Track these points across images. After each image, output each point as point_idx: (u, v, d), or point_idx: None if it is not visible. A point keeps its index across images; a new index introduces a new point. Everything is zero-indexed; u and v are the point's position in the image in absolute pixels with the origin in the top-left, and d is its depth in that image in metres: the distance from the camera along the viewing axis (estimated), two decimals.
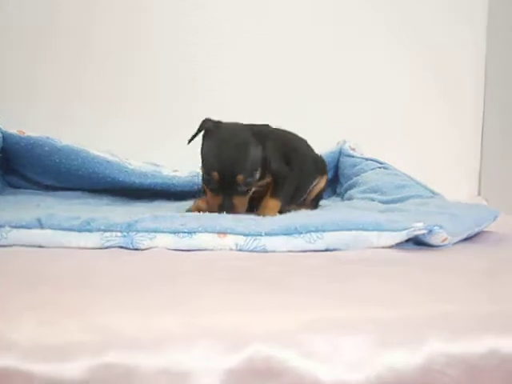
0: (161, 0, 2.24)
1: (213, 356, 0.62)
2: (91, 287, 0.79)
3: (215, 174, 1.34)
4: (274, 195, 1.46)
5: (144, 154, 2.09)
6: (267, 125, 1.47)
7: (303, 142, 1.74)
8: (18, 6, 2.16)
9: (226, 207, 1.34)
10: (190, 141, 1.41)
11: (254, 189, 1.41)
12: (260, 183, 1.45)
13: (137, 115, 2.24)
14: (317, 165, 1.74)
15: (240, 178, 1.35)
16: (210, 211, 1.34)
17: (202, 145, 1.42)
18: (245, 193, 1.38)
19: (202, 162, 1.41)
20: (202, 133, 1.42)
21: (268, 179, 1.47)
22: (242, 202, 1.38)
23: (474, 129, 2.47)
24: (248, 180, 1.37)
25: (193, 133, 1.41)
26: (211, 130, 1.40)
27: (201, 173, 1.44)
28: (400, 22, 2.38)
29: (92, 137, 2.08)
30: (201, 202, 1.48)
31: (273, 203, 1.46)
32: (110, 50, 2.22)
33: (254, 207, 1.46)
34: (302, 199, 1.68)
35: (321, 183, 1.73)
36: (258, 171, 1.41)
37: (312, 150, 1.76)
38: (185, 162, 1.78)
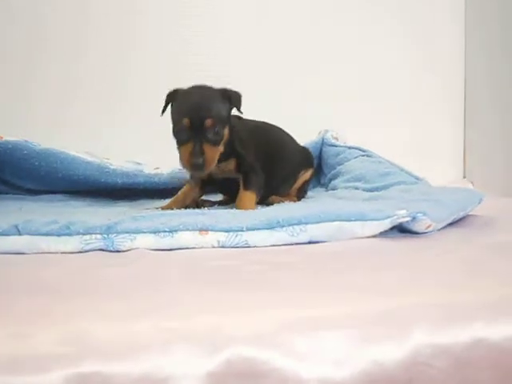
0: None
1: (192, 360, 0.60)
2: (67, 295, 0.77)
3: (186, 121, 1.37)
4: (246, 187, 1.48)
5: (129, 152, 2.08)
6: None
7: (287, 135, 1.74)
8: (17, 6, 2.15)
9: (197, 152, 1.36)
10: (163, 112, 1.46)
11: (221, 146, 1.43)
12: (226, 164, 1.48)
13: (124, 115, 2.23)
14: (303, 156, 1.76)
15: (209, 122, 1.37)
16: (185, 167, 1.40)
17: (172, 107, 1.45)
18: (214, 142, 1.40)
19: (173, 117, 1.43)
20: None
21: (232, 162, 1.49)
22: (212, 151, 1.39)
23: (458, 112, 2.47)
24: (217, 128, 1.39)
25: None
26: (179, 92, 1.45)
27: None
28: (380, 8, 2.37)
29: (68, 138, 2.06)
30: (172, 203, 1.52)
31: (247, 196, 1.47)
32: (103, 56, 2.22)
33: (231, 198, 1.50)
34: (285, 189, 1.70)
35: (306, 175, 1.75)
36: (226, 129, 1.43)
37: (297, 144, 1.76)
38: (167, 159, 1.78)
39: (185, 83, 1.45)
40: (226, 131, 1.43)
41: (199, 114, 1.38)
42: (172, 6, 2.24)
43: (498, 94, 2.21)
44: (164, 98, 1.45)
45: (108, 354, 0.60)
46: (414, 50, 2.42)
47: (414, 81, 2.43)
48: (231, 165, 1.49)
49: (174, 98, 1.44)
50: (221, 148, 1.42)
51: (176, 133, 1.41)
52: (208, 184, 1.58)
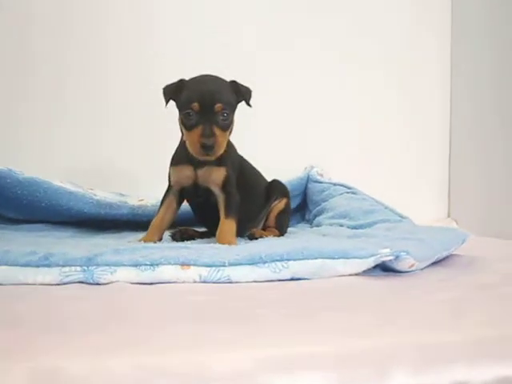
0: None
1: None
2: (41, 328, 0.75)
3: (195, 105, 1.39)
4: (227, 215, 1.46)
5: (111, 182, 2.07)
6: None
7: (256, 170, 1.73)
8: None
9: (208, 134, 1.38)
10: (167, 103, 1.47)
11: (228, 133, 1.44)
12: (216, 170, 1.47)
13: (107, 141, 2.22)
14: (275, 187, 1.74)
15: (219, 106, 1.40)
16: (193, 152, 1.40)
17: (179, 96, 1.44)
18: (224, 126, 1.41)
19: (181, 104, 1.43)
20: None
21: (223, 171, 1.48)
22: (221, 135, 1.41)
23: (442, 150, 2.48)
24: (226, 112, 1.41)
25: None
26: (186, 81, 1.46)
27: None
28: (362, 37, 2.40)
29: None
30: (150, 232, 1.49)
31: (228, 225, 1.45)
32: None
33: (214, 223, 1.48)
34: (260, 218, 1.69)
35: (281, 204, 1.71)
36: (233, 118, 1.45)
37: (265, 178, 1.76)
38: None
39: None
40: (233, 120, 1.45)
41: (209, 97, 1.40)
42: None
43: (483, 136, 2.24)
44: (161, 100, 1.46)
45: None
46: (400, 92, 2.44)
47: (400, 120, 2.45)
48: (221, 174, 1.48)
49: (181, 86, 1.45)
50: (228, 135, 1.45)
51: (185, 118, 1.41)
52: (187, 195, 1.55)
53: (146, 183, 2.07)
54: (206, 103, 1.39)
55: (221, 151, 1.41)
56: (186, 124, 1.42)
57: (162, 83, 1.47)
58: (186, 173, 1.48)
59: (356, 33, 2.40)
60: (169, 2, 2.26)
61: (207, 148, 1.38)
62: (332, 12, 2.38)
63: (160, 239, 1.50)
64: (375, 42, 2.42)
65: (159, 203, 1.56)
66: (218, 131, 1.39)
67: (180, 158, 1.49)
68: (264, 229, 1.67)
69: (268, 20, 2.33)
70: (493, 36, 2.19)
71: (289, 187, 1.85)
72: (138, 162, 2.20)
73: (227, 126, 1.43)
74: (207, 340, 0.69)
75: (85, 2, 2.21)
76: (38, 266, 1.05)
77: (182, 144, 1.47)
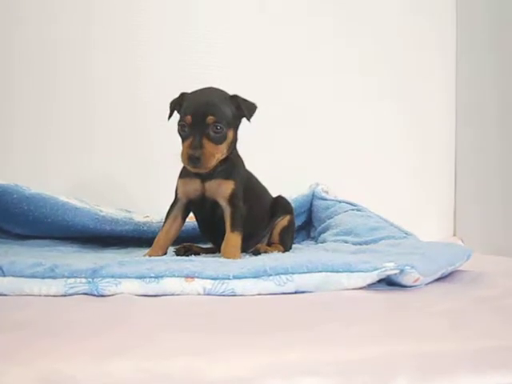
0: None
1: None
2: (43, 333, 0.75)
3: (188, 118, 1.40)
4: (233, 228, 1.45)
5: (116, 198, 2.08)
6: None
7: (262, 185, 1.74)
8: None
9: (195, 145, 1.38)
10: (169, 117, 1.49)
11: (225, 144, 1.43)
12: (224, 184, 1.47)
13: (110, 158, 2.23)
14: (278, 203, 1.74)
15: (210, 118, 1.40)
16: (183, 162, 1.41)
17: (179, 110, 1.47)
18: (215, 139, 1.41)
19: (179, 118, 1.44)
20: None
21: (231, 184, 1.48)
22: (211, 147, 1.40)
23: (448, 170, 2.48)
24: (219, 125, 1.40)
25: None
26: (186, 94, 1.47)
27: None
28: (366, 58, 2.42)
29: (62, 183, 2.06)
30: (156, 245, 1.49)
31: (233, 239, 1.45)
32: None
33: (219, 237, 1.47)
34: (264, 235, 1.69)
35: (284, 221, 1.71)
36: (231, 132, 1.45)
37: (270, 194, 1.76)
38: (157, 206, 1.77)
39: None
40: (231, 134, 1.45)
41: (202, 110, 1.40)
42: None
43: (487, 156, 2.24)
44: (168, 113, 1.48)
45: None
46: (407, 106, 2.45)
47: (406, 140, 2.45)
48: (229, 187, 1.48)
49: (181, 100, 1.47)
50: (223, 148, 1.43)
51: (180, 130, 1.43)
52: (193, 208, 1.54)
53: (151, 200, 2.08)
54: (198, 115, 1.40)
55: (211, 164, 1.41)
56: (181, 136, 1.43)
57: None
58: (194, 185, 1.49)
59: (371, 48, 2.43)
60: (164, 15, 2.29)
61: (194, 160, 1.38)
62: (340, 24, 2.42)
63: (165, 253, 1.50)
64: (387, 67, 2.44)
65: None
66: (207, 143, 1.39)
67: (188, 171, 1.47)
68: (268, 245, 1.67)
69: (274, 31, 2.36)
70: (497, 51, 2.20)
71: (294, 204, 1.86)
72: (132, 176, 2.22)
73: (219, 139, 1.42)
74: (207, 346, 0.70)
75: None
76: (43, 278, 1.05)
77: None
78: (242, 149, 1.53)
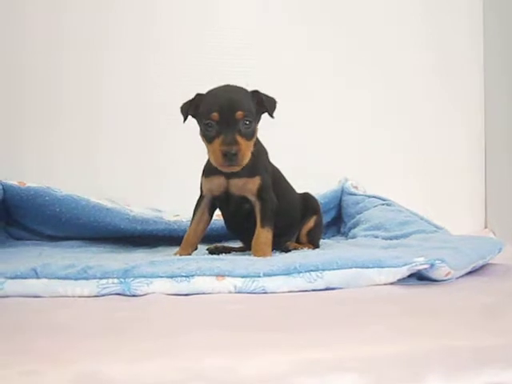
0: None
1: None
2: (81, 336, 0.77)
3: (215, 115, 1.35)
4: (263, 224, 1.43)
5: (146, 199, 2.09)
6: None
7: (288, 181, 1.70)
8: None
9: (231, 141, 1.33)
10: (184, 119, 1.44)
11: (252, 140, 1.39)
12: (250, 181, 1.44)
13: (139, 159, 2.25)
14: (307, 203, 1.69)
15: (240, 113, 1.35)
16: (215, 164, 1.36)
17: (198, 109, 1.42)
18: (246, 134, 1.36)
19: (200, 117, 1.40)
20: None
21: (257, 180, 1.45)
22: (245, 143, 1.35)
23: (479, 163, 2.46)
24: (248, 119, 1.36)
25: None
26: (204, 94, 1.42)
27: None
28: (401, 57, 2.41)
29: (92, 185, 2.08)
30: (185, 244, 1.49)
31: (264, 236, 1.42)
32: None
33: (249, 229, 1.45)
34: (294, 232, 1.66)
35: (310, 222, 1.66)
36: (257, 121, 1.41)
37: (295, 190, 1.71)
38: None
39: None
40: (256, 129, 1.41)
41: (229, 106, 1.35)
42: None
43: None
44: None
45: None
46: (438, 104, 2.43)
47: (437, 132, 2.43)
48: (255, 184, 1.45)
49: (198, 100, 1.42)
50: (252, 144, 1.39)
51: (205, 130, 1.37)
52: (219, 202, 1.51)
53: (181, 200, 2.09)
54: (225, 112, 1.34)
55: (245, 161, 1.36)
56: (206, 136, 1.38)
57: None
58: (218, 183, 1.45)
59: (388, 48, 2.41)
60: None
61: (230, 157, 1.33)
62: (355, 23, 2.41)
63: (195, 249, 1.50)
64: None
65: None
66: (241, 139, 1.34)
67: (211, 169, 1.44)
68: (298, 243, 1.66)
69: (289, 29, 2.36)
70: None
71: (323, 200, 1.86)
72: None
73: (250, 135, 1.38)
74: (242, 345, 0.70)
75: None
76: (76, 279, 1.07)
77: None
78: (271, 146, 1.52)
